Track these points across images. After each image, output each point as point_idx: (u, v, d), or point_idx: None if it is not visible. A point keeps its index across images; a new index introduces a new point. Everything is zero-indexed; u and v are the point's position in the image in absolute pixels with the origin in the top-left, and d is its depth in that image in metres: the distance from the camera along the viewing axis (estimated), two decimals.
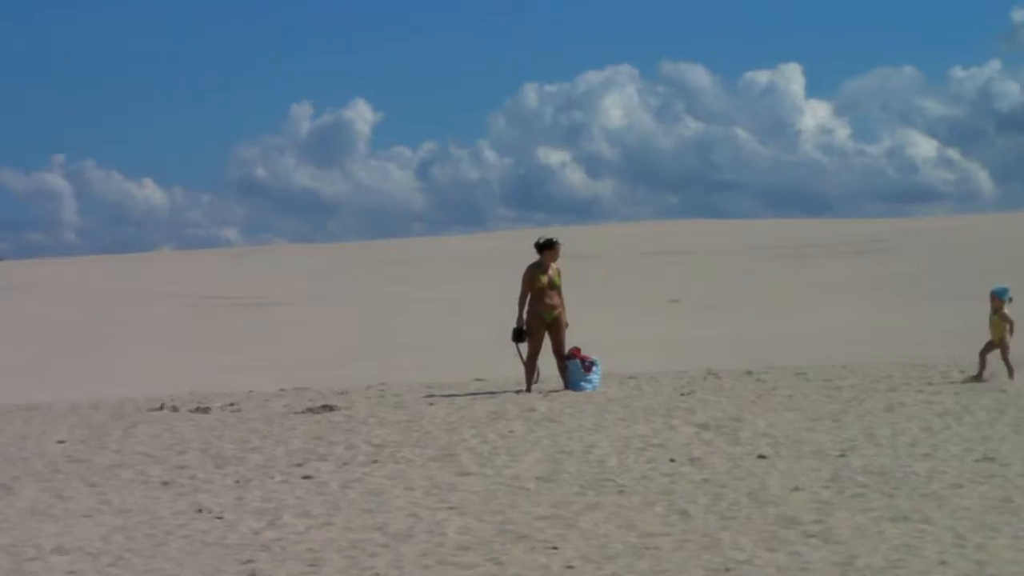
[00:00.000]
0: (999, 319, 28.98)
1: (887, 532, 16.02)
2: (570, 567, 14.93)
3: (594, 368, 29.42)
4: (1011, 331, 28.89)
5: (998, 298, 29.18)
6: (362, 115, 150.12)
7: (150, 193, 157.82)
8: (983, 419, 23.63)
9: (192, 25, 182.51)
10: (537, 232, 35.21)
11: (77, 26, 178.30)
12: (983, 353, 28.94)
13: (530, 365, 29.71)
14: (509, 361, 30.56)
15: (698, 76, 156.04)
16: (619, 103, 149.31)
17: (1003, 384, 28.02)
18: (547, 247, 29.95)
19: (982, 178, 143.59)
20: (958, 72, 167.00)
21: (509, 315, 30.36)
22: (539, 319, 29.58)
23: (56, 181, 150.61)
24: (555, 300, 29.60)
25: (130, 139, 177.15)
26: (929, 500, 17.63)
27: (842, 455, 20.89)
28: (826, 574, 14.31)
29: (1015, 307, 29.62)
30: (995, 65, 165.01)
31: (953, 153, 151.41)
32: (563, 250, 30.40)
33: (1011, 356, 28.91)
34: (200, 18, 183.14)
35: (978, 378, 28.55)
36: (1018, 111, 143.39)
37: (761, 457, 20.98)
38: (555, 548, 15.79)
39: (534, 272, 29.75)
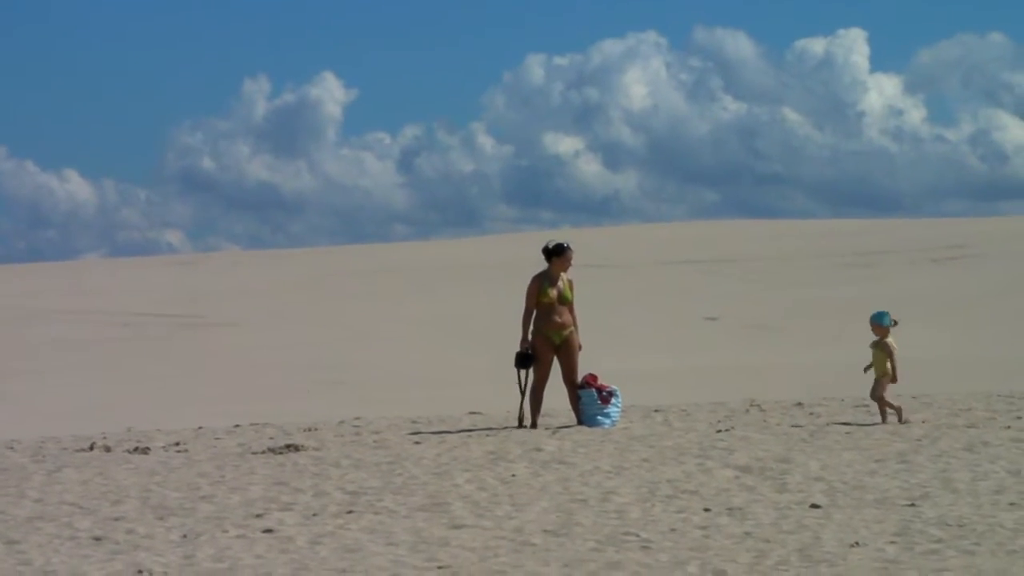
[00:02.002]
0: (879, 350, 29.02)
1: None
2: None
3: (613, 399, 29.48)
4: (892, 364, 28.85)
5: (879, 325, 29.22)
6: (331, 93, 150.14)
7: (74, 188, 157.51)
8: None
9: None
10: (544, 236, 35.28)
11: None
12: (879, 395, 29.03)
13: (536, 396, 29.65)
14: (510, 391, 30.64)
15: (739, 46, 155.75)
16: (643, 79, 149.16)
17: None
18: (556, 254, 29.87)
19: None
20: None
21: (510, 336, 30.44)
22: (547, 341, 29.51)
23: None
24: (566, 317, 29.50)
25: (48, 122, 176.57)
26: (1017, 557, 17.76)
27: (912, 504, 21.00)
28: None
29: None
30: None
31: None
32: (575, 258, 30.41)
33: (891, 395, 29.01)
34: None
35: (890, 419, 28.71)
36: None
37: (814, 507, 21.10)
38: None
39: (541, 284, 29.66)
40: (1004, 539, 18.67)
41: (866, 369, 29.14)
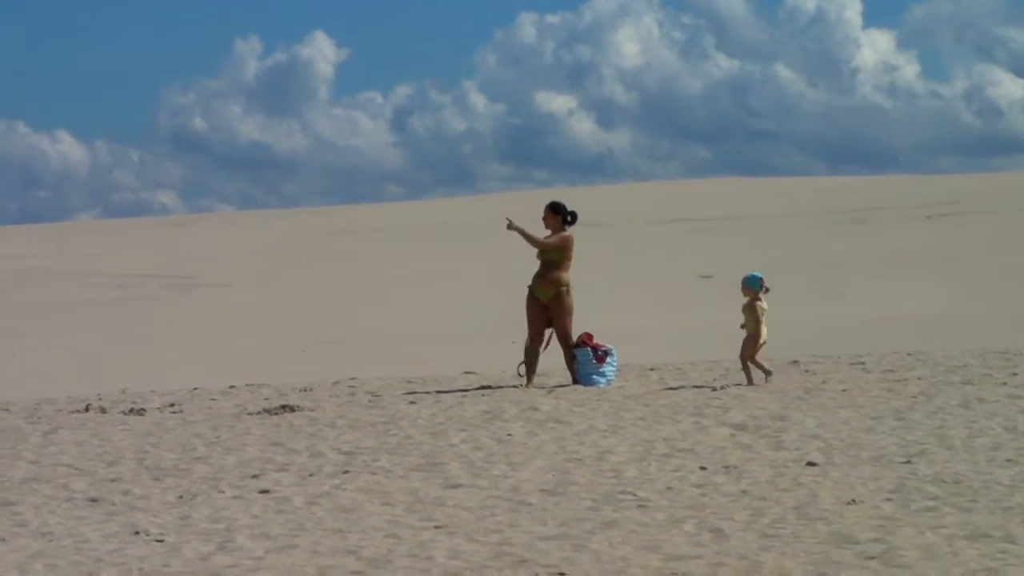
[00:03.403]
0: (748, 311, 29.04)
1: (962, 553, 16.17)
2: None
3: (608, 358, 29.51)
4: (757, 327, 28.88)
5: (748, 288, 29.23)
6: (323, 52, 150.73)
7: (66, 149, 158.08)
8: None
9: None
10: (541, 196, 35.20)
11: None
12: (748, 357, 29.11)
13: (531, 356, 29.65)
14: (505, 352, 30.66)
15: (731, 2, 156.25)
16: (635, 36, 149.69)
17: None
18: (555, 212, 29.66)
19: None
20: None
21: (505, 295, 30.45)
22: (537, 301, 29.52)
23: None
24: (561, 276, 29.35)
25: (39, 82, 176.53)
26: (1014, 514, 17.79)
27: (908, 461, 21.06)
28: None
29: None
30: None
31: None
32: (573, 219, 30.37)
33: (759, 355, 29.08)
34: None
35: (764, 379, 28.85)
36: None
37: (810, 464, 21.14)
38: (563, 574, 15.99)
39: (560, 246, 29.49)
40: (1000, 496, 18.71)
41: (742, 326, 29.19)
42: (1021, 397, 25.73)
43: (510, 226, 29.48)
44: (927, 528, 17.28)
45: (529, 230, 29.45)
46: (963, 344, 34.25)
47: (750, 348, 28.99)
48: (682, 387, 28.69)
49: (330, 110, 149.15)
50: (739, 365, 29.49)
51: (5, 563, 17.46)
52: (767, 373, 28.91)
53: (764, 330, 29.06)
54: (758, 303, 29.07)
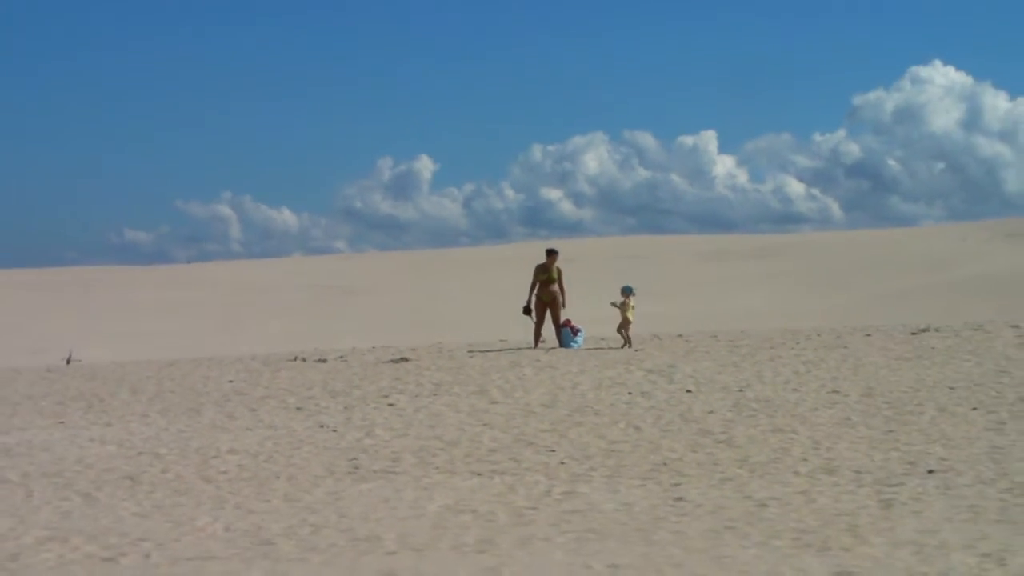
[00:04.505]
0: (622, 306, 29.08)
1: (769, 439, 16.20)
2: (562, 463, 15.14)
3: (579, 333, 29.47)
4: (625, 314, 28.89)
5: (624, 293, 29.28)
6: (426, 166, 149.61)
7: (287, 217, 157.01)
8: (832, 366, 23.65)
9: (315, 110, 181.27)
10: (543, 243, 35.34)
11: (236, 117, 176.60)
12: (620, 329, 29.12)
13: (536, 331, 29.77)
14: (523, 329, 30.63)
15: (647, 140, 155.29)
16: (596, 158, 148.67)
17: (813, 343, 28.08)
18: (549, 254, 30.09)
19: (834, 208, 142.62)
20: (817, 137, 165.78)
21: (523, 299, 30.47)
22: (542, 301, 29.71)
23: (225, 210, 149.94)
24: (554, 288, 29.65)
25: (272, 180, 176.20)
26: (796, 419, 17.78)
27: (741, 390, 20.97)
28: (730, 467, 14.50)
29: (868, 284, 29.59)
30: (842, 132, 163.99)
31: (815, 191, 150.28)
32: (560, 256, 30.55)
33: (630, 332, 29.00)
34: (318, 108, 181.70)
35: (627, 345, 28.82)
36: (857, 164, 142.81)
37: (688, 391, 21.05)
38: (552, 451, 16.00)
39: (540, 269, 29.89)
40: (789, 408, 18.67)
41: (613, 304, 29.19)
42: (801, 355, 25.62)
43: (526, 310, 29.92)
44: (751, 426, 17.28)
45: (528, 294, 29.91)
46: (772, 325, 34.21)
47: (624, 325, 29.05)
48: (619, 350, 28.63)
49: (429, 197, 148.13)
50: (651, 338, 29.45)
51: (252, 442, 17.54)
52: (628, 343, 28.91)
53: (631, 316, 29.10)
54: (628, 301, 29.13)
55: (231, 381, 25.12)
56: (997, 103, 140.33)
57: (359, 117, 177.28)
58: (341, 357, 29.08)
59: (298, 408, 20.99)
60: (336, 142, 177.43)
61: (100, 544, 11.67)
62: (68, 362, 32.78)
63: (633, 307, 29.34)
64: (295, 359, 28.92)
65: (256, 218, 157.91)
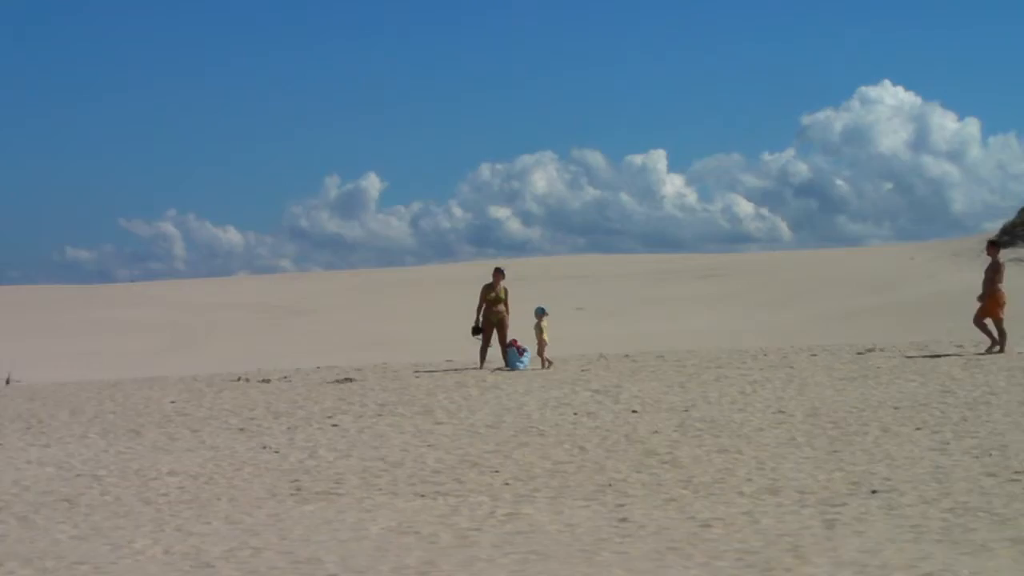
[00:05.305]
0: (537, 328, 29.28)
1: (714, 459, 16.23)
2: (507, 484, 15.15)
3: (525, 353, 29.46)
4: (541, 335, 29.19)
5: (537, 313, 29.46)
6: (373, 184, 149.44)
7: (232, 236, 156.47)
8: (778, 386, 23.74)
9: (267, 127, 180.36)
10: (491, 263, 35.39)
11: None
12: (539, 351, 29.29)
13: (483, 351, 29.82)
14: (469, 348, 30.64)
15: (596, 158, 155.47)
16: (544, 176, 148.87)
17: (759, 363, 28.17)
18: (495, 273, 30.16)
19: (783, 227, 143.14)
20: (767, 156, 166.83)
21: (471, 319, 30.47)
22: (488, 321, 29.74)
23: (169, 228, 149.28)
24: (501, 309, 29.71)
25: (218, 198, 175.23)
26: (741, 439, 17.83)
27: (686, 410, 21.01)
28: (674, 488, 14.54)
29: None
30: (791, 152, 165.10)
31: (763, 211, 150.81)
32: (507, 275, 30.58)
33: (546, 352, 29.20)
34: (267, 124, 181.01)
35: (547, 367, 28.98)
36: (805, 183, 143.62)
37: (633, 411, 21.09)
38: (497, 471, 15.99)
39: (487, 289, 29.94)
40: (735, 428, 18.73)
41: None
42: (747, 375, 25.72)
43: (475, 330, 29.95)
44: (696, 446, 17.32)
45: (476, 314, 29.95)
46: (718, 344, 34.33)
47: (541, 346, 29.15)
48: (564, 369, 28.67)
49: (376, 216, 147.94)
50: (598, 358, 29.58)
51: (193, 463, 17.46)
52: (549, 364, 29.01)
53: (546, 337, 29.20)
54: (542, 322, 29.24)
55: (173, 402, 25.02)
56: (945, 123, 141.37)
57: (306, 135, 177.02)
58: (285, 377, 29.03)
59: (240, 429, 20.92)
60: (282, 160, 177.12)
61: (36, 568, 11.59)
62: (7, 382, 32.58)
63: (547, 327, 29.46)
64: (238, 379, 28.86)
65: (201, 236, 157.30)
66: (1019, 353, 27.90)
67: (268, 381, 28.19)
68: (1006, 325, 28.62)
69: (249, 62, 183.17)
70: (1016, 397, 20.93)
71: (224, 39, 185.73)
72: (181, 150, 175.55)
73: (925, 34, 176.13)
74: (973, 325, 29.10)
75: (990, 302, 28.75)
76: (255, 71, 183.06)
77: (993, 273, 28.97)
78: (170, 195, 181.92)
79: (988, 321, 28.74)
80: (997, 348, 28.27)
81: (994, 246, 29.79)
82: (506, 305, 29.82)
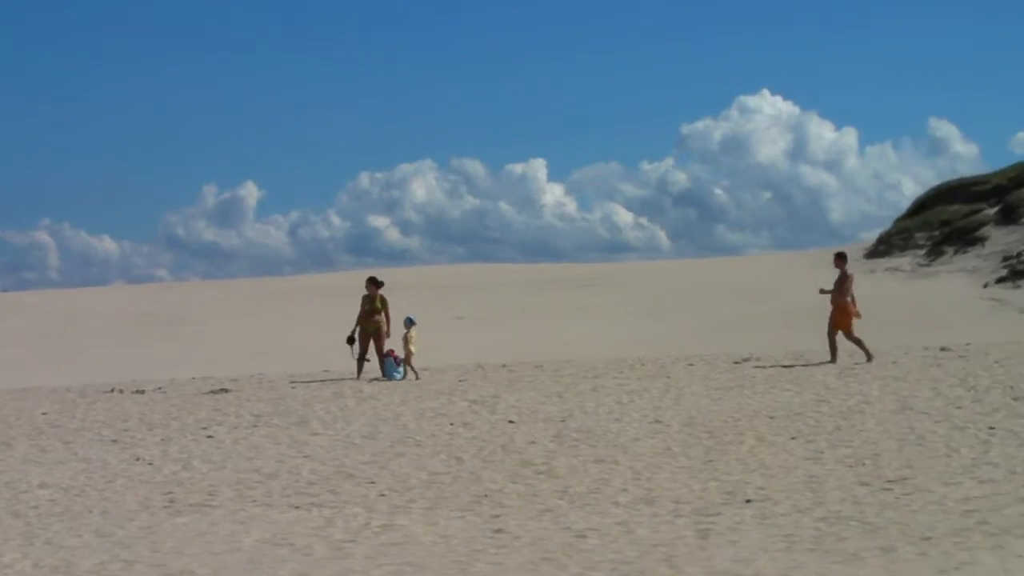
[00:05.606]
0: (405, 338, 29.39)
1: (590, 470, 16.31)
2: (382, 495, 15.13)
3: (402, 364, 29.52)
4: (407, 346, 29.25)
5: (407, 325, 29.59)
6: (251, 193, 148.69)
7: (108, 245, 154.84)
8: (655, 396, 23.92)
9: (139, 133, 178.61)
10: (370, 272, 35.22)
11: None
12: (407, 361, 29.33)
13: (359, 361, 29.79)
14: (346, 359, 30.57)
15: (476, 167, 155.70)
16: (424, 185, 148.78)
17: (636, 372, 28.30)
18: (371, 283, 30.18)
19: (661, 236, 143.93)
20: (646, 166, 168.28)
21: (348, 329, 30.41)
22: (365, 331, 29.74)
23: (43, 237, 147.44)
24: (378, 319, 29.67)
25: (93, 207, 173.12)
26: (618, 449, 17.94)
27: (563, 420, 21.09)
28: (550, 498, 14.59)
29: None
30: (669, 161, 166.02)
31: (642, 220, 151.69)
32: (385, 284, 30.55)
33: (414, 362, 29.26)
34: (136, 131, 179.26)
35: (415, 377, 29.05)
36: (684, 193, 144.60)
37: (510, 422, 21.16)
38: (372, 483, 15.97)
39: (365, 299, 29.96)
40: (612, 438, 18.83)
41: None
42: (623, 385, 25.86)
43: (350, 339, 29.96)
44: (572, 456, 17.39)
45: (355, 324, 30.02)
46: (598, 355, 34.43)
47: (407, 357, 29.18)
48: (442, 379, 28.67)
49: (254, 225, 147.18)
50: (475, 368, 29.64)
51: (64, 476, 17.28)
52: (416, 375, 29.07)
53: (413, 347, 29.23)
54: (410, 333, 29.29)
55: (44, 413, 24.74)
56: (823, 133, 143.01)
57: (183, 143, 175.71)
58: (160, 388, 28.79)
59: (113, 441, 20.72)
60: (159, 168, 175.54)
61: None
62: None
63: (415, 337, 29.48)
64: (112, 390, 28.59)
65: (76, 246, 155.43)
66: (857, 364, 28.51)
67: (142, 392, 27.95)
68: (858, 333, 29.32)
69: (125, 69, 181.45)
70: (889, 406, 21.24)
71: (98, 45, 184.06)
72: (55, 158, 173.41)
73: (803, 44, 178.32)
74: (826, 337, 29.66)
75: (840, 314, 29.36)
76: (131, 79, 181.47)
77: (841, 285, 29.60)
78: (44, 204, 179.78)
79: (839, 334, 29.35)
80: (831, 360, 28.94)
81: (841, 258, 30.46)
82: (385, 315, 29.80)
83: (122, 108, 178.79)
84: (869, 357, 28.81)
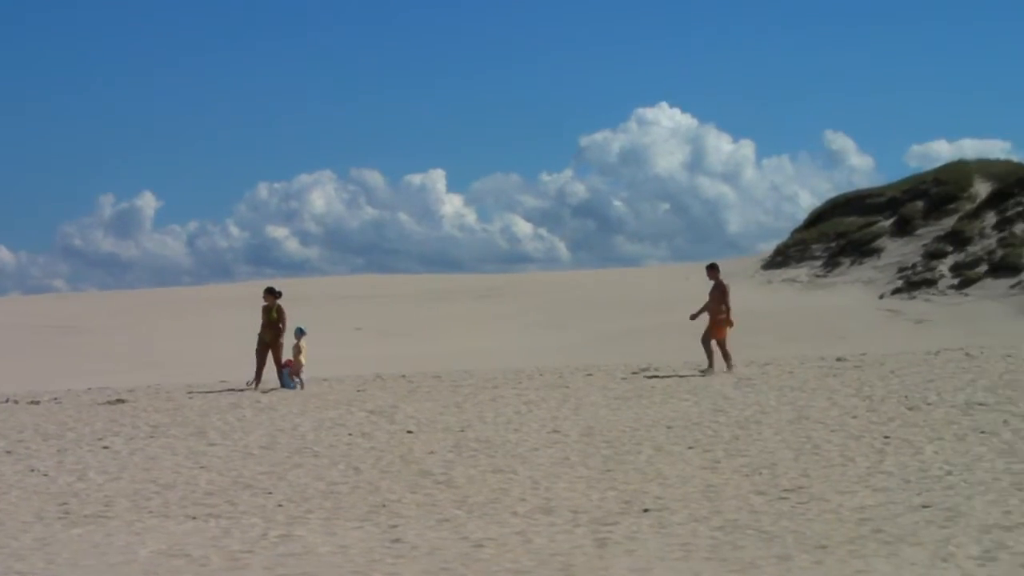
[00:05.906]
0: (295, 348, 29.46)
1: (489, 480, 16.37)
2: (280, 505, 15.10)
3: (299, 374, 29.46)
4: (301, 357, 29.39)
5: (297, 335, 29.64)
6: (148, 203, 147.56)
7: (3, 255, 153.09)
8: (553, 406, 24.01)
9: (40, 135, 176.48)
10: (268, 282, 35.05)
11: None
12: (297, 373, 29.36)
13: (258, 372, 29.66)
14: (244, 369, 30.44)
15: (375, 178, 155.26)
16: (323, 196, 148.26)
17: (535, 383, 28.40)
18: (269, 293, 30.13)
19: (561, 247, 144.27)
20: (545, 176, 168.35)
21: (245, 340, 30.28)
22: (263, 341, 29.69)
23: None
24: (274, 329, 29.67)
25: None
26: (516, 459, 18.01)
27: (462, 430, 21.15)
28: (448, 508, 14.62)
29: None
30: (569, 172, 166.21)
31: (542, 231, 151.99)
32: (284, 295, 30.44)
33: (303, 374, 29.40)
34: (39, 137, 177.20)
35: (301, 387, 29.15)
36: (583, 204, 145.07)
37: (409, 432, 21.16)
38: (270, 493, 15.94)
39: (264, 310, 29.95)
40: (510, 448, 18.91)
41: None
42: (523, 395, 25.91)
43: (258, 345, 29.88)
44: (471, 466, 17.45)
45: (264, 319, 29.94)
46: (494, 365, 34.47)
47: (297, 367, 29.17)
48: (341, 390, 28.61)
49: (152, 235, 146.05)
50: (374, 378, 29.59)
51: None
52: (302, 385, 29.04)
53: (303, 358, 29.27)
54: (301, 342, 29.28)
55: None
56: (720, 145, 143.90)
57: (79, 152, 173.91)
58: (55, 399, 28.51)
59: (7, 452, 20.50)
60: (55, 178, 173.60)
61: None
62: None
63: (305, 348, 29.47)
64: (6, 401, 28.28)
65: None
66: (724, 372, 28.93)
67: (38, 403, 27.67)
68: (729, 346, 29.71)
69: (19, 77, 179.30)
70: (786, 416, 21.45)
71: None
72: None
73: (701, 56, 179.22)
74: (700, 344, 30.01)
75: (716, 324, 29.71)
76: (25, 88, 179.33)
77: (721, 294, 29.93)
78: None
79: (714, 342, 29.69)
80: (710, 369, 29.29)
81: (714, 269, 30.80)
82: (281, 325, 29.74)
83: (16, 117, 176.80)
84: (710, 366, 29.25)
